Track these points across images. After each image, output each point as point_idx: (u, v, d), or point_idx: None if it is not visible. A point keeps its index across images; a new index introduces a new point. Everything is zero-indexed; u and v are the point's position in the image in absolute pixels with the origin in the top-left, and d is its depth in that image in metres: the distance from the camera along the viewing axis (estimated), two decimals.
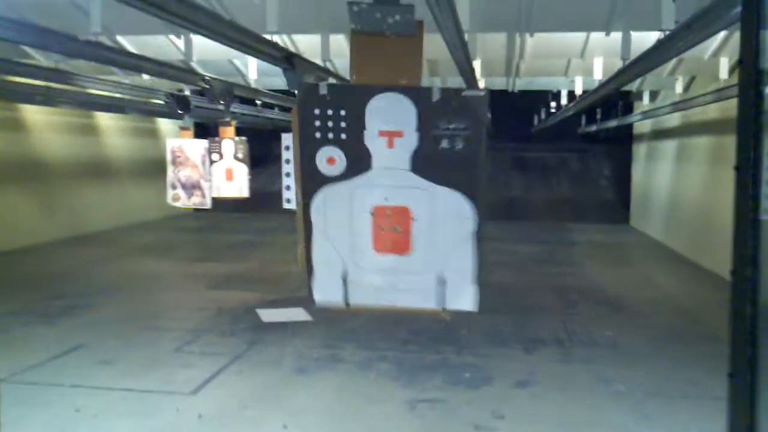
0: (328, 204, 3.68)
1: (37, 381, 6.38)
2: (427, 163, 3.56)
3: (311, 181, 3.67)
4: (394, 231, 3.66)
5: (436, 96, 3.52)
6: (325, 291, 3.77)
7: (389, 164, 3.59)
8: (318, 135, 3.61)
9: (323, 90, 3.61)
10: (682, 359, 7.38)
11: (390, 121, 3.56)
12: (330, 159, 3.64)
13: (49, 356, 7.08)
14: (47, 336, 7.90)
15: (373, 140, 3.58)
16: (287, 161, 9.25)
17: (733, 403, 1.92)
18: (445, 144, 3.54)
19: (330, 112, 3.58)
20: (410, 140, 3.55)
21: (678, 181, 15.92)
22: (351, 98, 3.61)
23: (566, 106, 15.09)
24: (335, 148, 3.62)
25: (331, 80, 8.55)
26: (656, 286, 11.76)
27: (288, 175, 9.33)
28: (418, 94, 3.55)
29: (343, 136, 3.60)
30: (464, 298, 3.68)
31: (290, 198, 9.35)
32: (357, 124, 3.57)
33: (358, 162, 3.61)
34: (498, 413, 5.78)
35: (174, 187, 11.89)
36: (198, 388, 6.25)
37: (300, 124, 3.67)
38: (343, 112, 3.59)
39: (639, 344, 8.00)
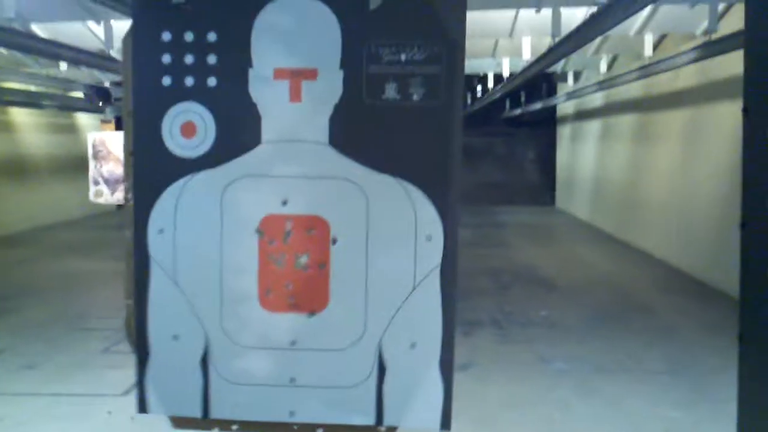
0: (181, 216, 2.06)
1: None
2: (359, 130, 2.02)
3: (152, 170, 2.05)
4: (298, 265, 2.05)
5: (376, 1, 1.99)
6: (168, 390, 2.12)
7: (292, 133, 2.03)
8: (167, 81, 2.04)
9: None
10: (619, 334, 7.46)
11: (295, 51, 2.01)
12: (188, 126, 2.04)
13: None
14: None
15: (264, 87, 2.02)
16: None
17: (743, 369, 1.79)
18: (391, 91, 2.00)
19: (189, 36, 2.02)
20: (330, 86, 2.01)
21: (602, 161, 16.18)
22: (226, 8, 2.02)
23: (493, 89, 15.14)
24: (197, 104, 2.04)
25: None
26: (586, 265, 11.91)
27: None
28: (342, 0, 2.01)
29: (212, 81, 2.04)
30: (423, 401, 2.07)
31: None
32: (235, 58, 2.02)
33: (237, 130, 2.04)
34: None
35: (96, 183, 11.47)
36: (129, 389, 5.99)
37: (134, 62, 2.07)
38: (212, 37, 2.02)
39: (575, 322, 8.05)
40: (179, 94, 2.05)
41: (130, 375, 6.54)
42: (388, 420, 2.08)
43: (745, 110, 1.72)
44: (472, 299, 9.11)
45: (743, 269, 1.80)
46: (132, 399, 6.04)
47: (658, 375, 6.25)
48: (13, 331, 7.92)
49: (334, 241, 2.04)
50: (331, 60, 2.00)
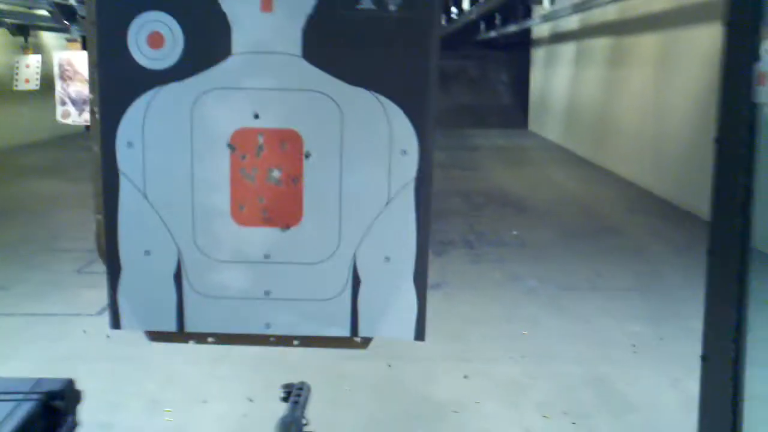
0: (150, 130, 2.00)
1: None
2: (334, 42, 1.96)
3: (118, 82, 1.99)
4: (270, 180, 2.03)
5: None
6: (142, 305, 2.10)
7: (264, 44, 1.97)
8: None
9: None
10: (589, 254, 7.59)
11: None
12: (154, 36, 1.98)
13: None
14: None
15: None
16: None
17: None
18: (367, 2, 1.93)
19: None
20: None
21: (576, 84, 16.15)
22: None
23: (468, 10, 14.93)
24: (165, 14, 1.97)
25: None
26: (558, 187, 12.01)
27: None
28: None
29: None
30: (397, 314, 2.07)
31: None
32: None
33: (206, 41, 1.98)
34: None
35: (63, 104, 11.21)
36: (103, 309, 5.99)
37: None
38: None
39: (546, 242, 8.17)
40: (145, 3, 1.96)
41: (104, 295, 6.55)
42: (363, 331, 2.09)
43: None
44: (444, 220, 9.18)
45: (715, 183, 1.83)
46: (107, 318, 6.09)
47: (626, 292, 6.39)
48: None
49: (308, 156, 2.00)
50: None
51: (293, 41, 1.94)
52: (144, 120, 1.99)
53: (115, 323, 2.09)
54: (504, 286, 6.59)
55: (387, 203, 2.01)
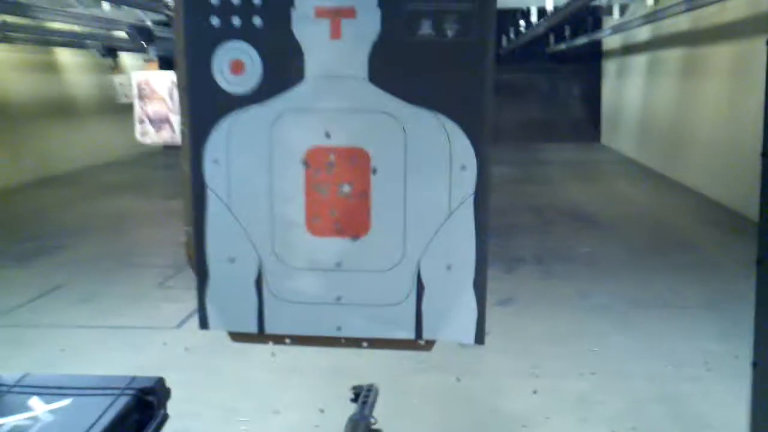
0: (233, 148, 2.19)
1: (19, 323, 6.33)
2: (397, 66, 2.11)
3: (204, 105, 2.19)
4: (341, 194, 2.19)
5: None
6: (226, 308, 2.30)
7: (334, 69, 2.13)
8: (216, 21, 2.16)
9: None
10: (660, 270, 7.49)
11: None
12: (236, 64, 2.17)
13: (28, 298, 7.01)
14: (24, 278, 7.81)
15: (306, 26, 2.12)
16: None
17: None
18: (427, 28, 2.08)
19: None
20: (368, 23, 2.10)
21: (649, 96, 15.93)
22: None
23: (536, 24, 14.91)
24: (245, 43, 2.16)
25: None
26: (630, 201, 11.87)
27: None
28: None
29: (257, 21, 2.14)
30: (459, 318, 2.21)
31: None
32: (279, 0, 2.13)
33: (282, 67, 2.15)
34: None
35: (142, 122, 11.66)
36: (183, 322, 6.23)
37: (184, 4, 2.20)
38: None
39: (616, 258, 8.10)
40: (227, 34, 2.16)
41: (183, 308, 6.82)
42: (427, 334, 2.23)
43: None
44: (515, 236, 9.18)
45: (763, 195, 1.87)
46: (186, 331, 6.32)
47: (697, 309, 6.30)
48: (69, 267, 8.21)
49: (375, 171, 2.16)
50: None
51: (360, 66, 2.12)
52: (228, 139, 2.19)
53: (203, 324, 2.33)
54: (574, 302, 6.57)
55: (448, 215, 2.16)
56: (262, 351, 5.48)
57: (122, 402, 1.96)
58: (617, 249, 8.48)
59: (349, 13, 2.10)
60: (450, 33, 2.08)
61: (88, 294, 7.11)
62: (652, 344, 5.56)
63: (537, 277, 7.47)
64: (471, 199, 2.15)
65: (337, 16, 2.11)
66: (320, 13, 2.11)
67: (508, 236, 9.18)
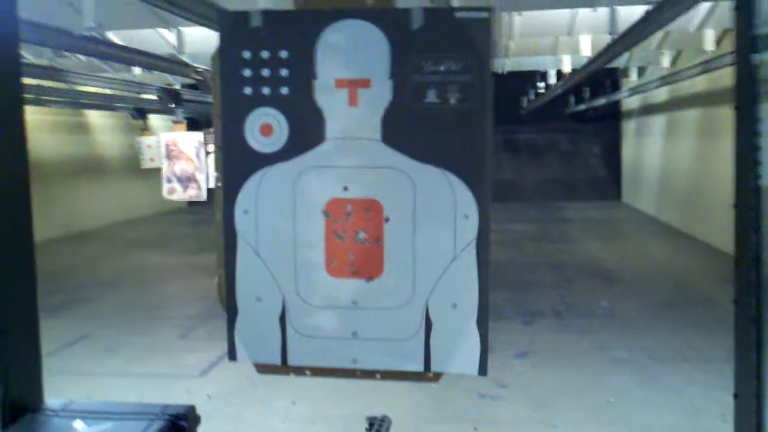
0: (261, 199, 2.50)
1: (48, 369, 6.46)
2: (406, 129, 2.43)
3: (237, 162, 2.51)
4: (357, 240, 2.48)
5: (417, 21, 2.42)
6: (254, 342, 2.55)
7: (351, 132, 2.45)
8: (248, 90, 2.47)
9: (256, 21, 2.48)
10: (680, 325, 7.53)
11: (352, 64, 2.44)
12: (265, 127, 2.48)
13: (56, 347, 7.17)
14: (53, 328, 7.97)
15: (327, 95, 2.44)
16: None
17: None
18: (432, 96, 2.39)
19: (265, 54, 2.47)
20: (381, 93, 2.42)
21: (668, 155, 16.07)
22: (295, 31, 2.47)
23: (555, 85, 15.19)
24: (273, 109, 2.48)
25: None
26: (650, 258, 11.91)
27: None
28: (391, 20, 2.44)
29: (285, 90, 2.46)
30: (464, 352, 2.46)
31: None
32: (303, 71, 2.45)
33: (306, 130, 2.46)
34: (501, 382, 5.90)
35: (169, 181, 11.98)
36: (206, 371, 6.36)
37: (221, 76, 2.52)
38: (284, 54, 2.46)
39: (636, 313, 8.14)
40: (258, 101, 2.47)
41: (205, 358, 6.94)
42: (435, 367, 2.48)
43: None
44: (534, 292, 9.26)
45: (737, 243, 2.10)
46: (208, 379, 6.41)
47: (716, 363, 6.32)
48: (95, 318, 8.40)
49: (387, 220, 2.45)
50: (382, 71, 2.42)
51: (374, 128, 2.44)
52: (257, 192, 2.50)
53: (232, 356, 2.56)
54: (592, 356, 6.62)
55: (453, 259, 2.43)
56: (283, 398, 5.59)
57: (157, 425, 2.11)
58: (636, 304, 8.52)
59: (365, 83, 2.43)
60: (453, 100, 2.40)
61: (113, 344, 7.27)
62: (669, 397, 5.59)
63: (555, 330, 7.53)
64: (473, 245, 2.41)
65: (354, 86, 2.44)
66: (340, 84, 2.44)
67: (527, 292, 9.26)
